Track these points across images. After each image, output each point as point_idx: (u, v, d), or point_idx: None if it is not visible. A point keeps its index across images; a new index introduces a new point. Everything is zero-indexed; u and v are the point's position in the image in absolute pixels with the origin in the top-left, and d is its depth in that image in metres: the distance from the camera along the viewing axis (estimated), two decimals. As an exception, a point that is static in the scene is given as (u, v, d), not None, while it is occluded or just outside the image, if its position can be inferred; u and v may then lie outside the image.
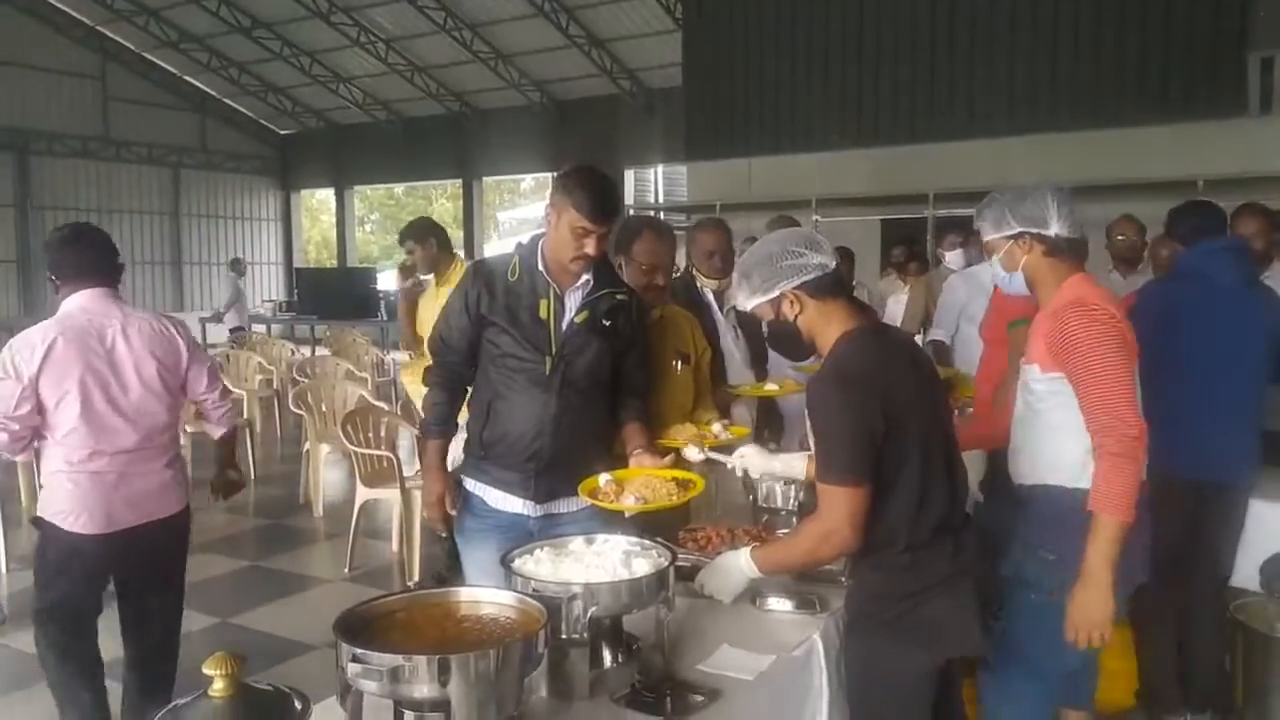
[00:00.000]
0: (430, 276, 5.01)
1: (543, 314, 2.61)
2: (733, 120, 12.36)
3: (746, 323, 3.81)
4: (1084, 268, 2.51)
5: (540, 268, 2.63)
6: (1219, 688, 3.31)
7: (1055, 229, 2.37)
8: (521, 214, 31.61)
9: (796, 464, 2.46)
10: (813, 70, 11.76)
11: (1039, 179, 2.82)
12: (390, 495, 5.43)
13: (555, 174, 2.71)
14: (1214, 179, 8.72)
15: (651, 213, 13.58)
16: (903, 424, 2.02)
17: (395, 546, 5.71)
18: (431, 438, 2.72)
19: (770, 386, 3.44)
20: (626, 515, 2.41)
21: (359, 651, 1.53)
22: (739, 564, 2.16)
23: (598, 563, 1.98)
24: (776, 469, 2.46)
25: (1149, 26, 9.89)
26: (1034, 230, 2.38)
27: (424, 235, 4.94)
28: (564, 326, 2.62)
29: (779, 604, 2.30)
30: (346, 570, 5.41)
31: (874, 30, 11.44)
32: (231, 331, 12.50)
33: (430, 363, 2.80)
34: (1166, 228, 3.86)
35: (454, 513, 2.69)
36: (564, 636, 1.84)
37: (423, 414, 2.79)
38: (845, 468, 1.98)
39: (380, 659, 1.52)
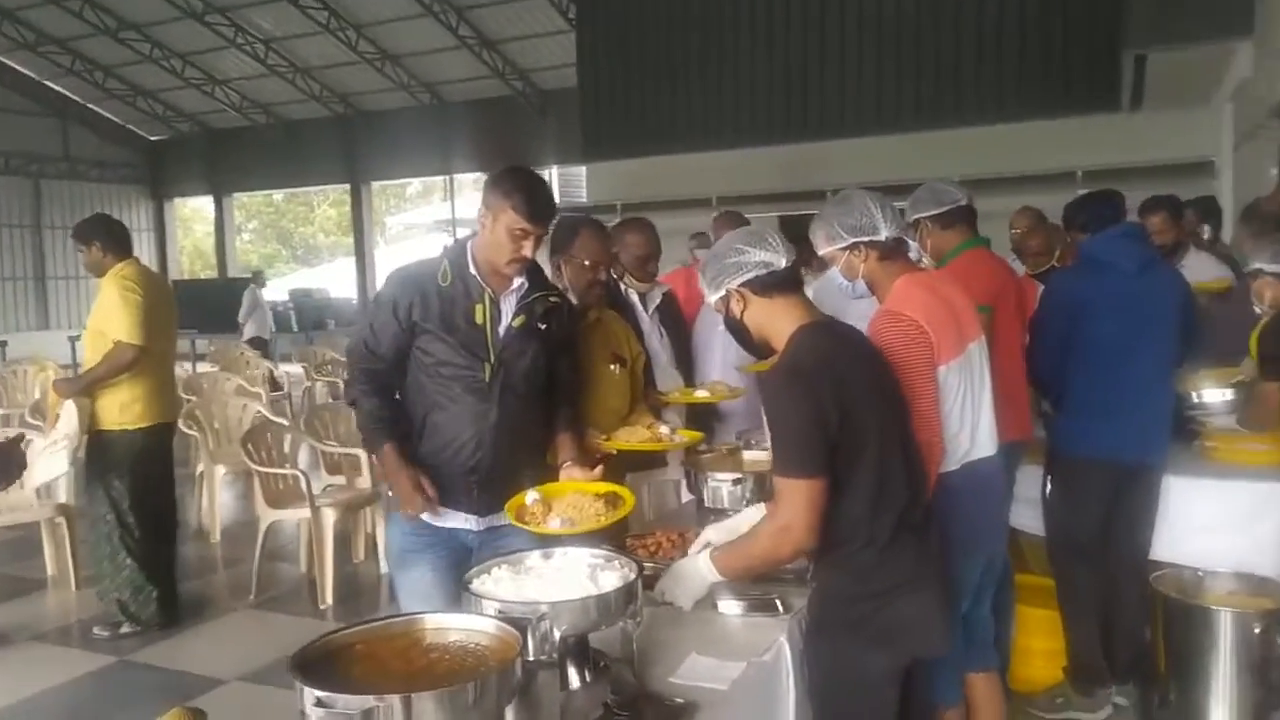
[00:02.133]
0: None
1: (479, 319, 2.51)
2: (629, 120, 12.34)
3: (669, 323, 3.77)
4: (914, 265, 2.60)
5: (472, 271, 2.52)
6: (1142, 658, 3.43)
7: (885, 233, 2.43)
8: (410, 219, 30.96)
9: (755, 516, 2.41)
10: (708, 69, 11.84)
11: (933, 176, 2.92)
12: (297, 515, 5.18)
13: (487, 175, 2.62)
14: (1091, 170, 9.17)
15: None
16: (857, 417, 1.99)
17: (304, 568, 5.45)
18: (383, 441, 2.52)
19: (700, 393, 3.41)
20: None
21: (323, 695, 1.39)
22: (699, 568, 2.10)
23: (562, 579, 1.88)
24: (740, 528, 2.38)
25: (1029, 27, 10.32)
26: (865, 239, 2.43)
27: (86, 237, 4.49)
28: (501, 331, 2.53)
29: (741, 607, 2.24)
30: (252, 597, 5.13)
31: (767, 30, 11.60)
32: (249, 342, 12.79)
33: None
34: (1065, 219, 3.98)
35: (432, 497, 2.51)
36: (531, 659, 1.73)
37: (362, 427, 2.59)
38: (800, 461, 1.95)
39: (349, 701, 1.38)
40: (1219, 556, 3.31)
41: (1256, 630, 3.02)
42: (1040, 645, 3.57)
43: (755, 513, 2.35)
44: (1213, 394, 3.69)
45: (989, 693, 2.80)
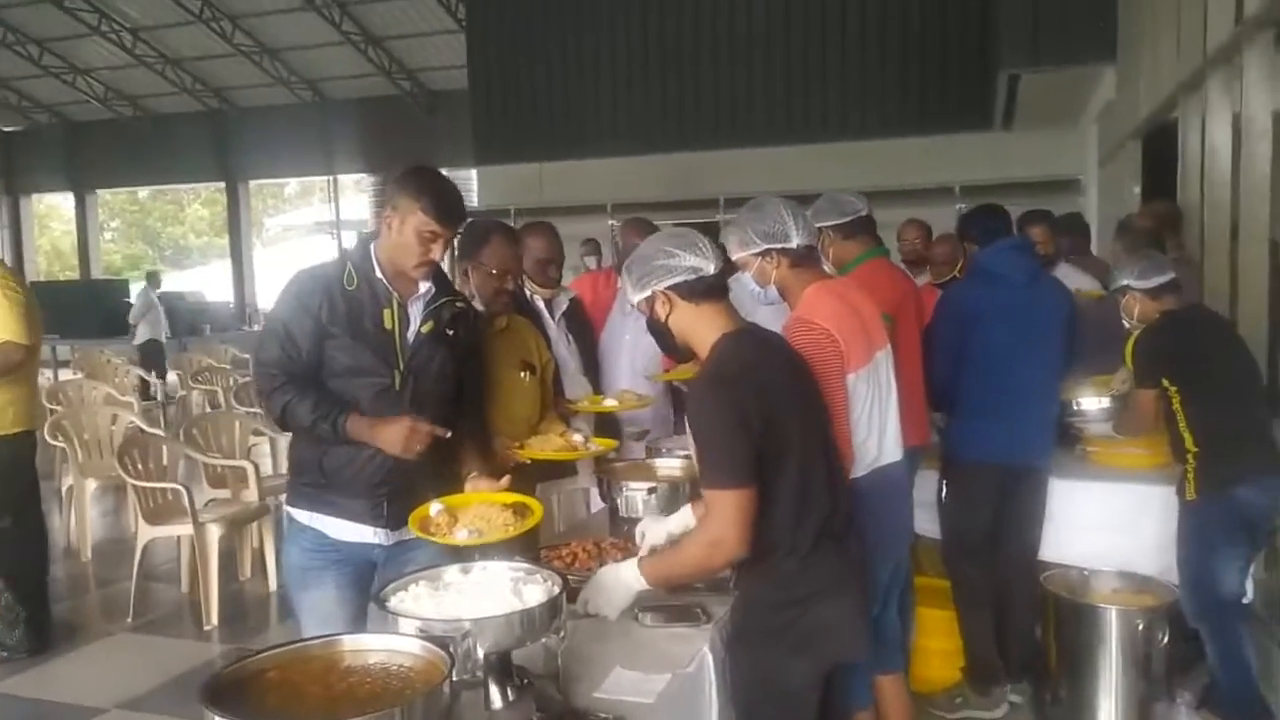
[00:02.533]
0: None
1: (387, 324, 2.42)
2: (522, 124, 12.23)
3: (576, 330, 3.73)
4: (824, 274, 2.66)
5: (378, 274, 2.43)
6: (1034, 656, 3.57)
7: (797, 240, 2.47)
8: (289, 220, 29.89)
9: (685, 517, 2.38)
10: (600, 75, 11.85)
11: (823, 186, 3.00)
12: (179, 532, 4.89)
13: (392, 177, 2.49)
14: (968, 185, 9.58)
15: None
16: (780, 424, 2.00)
17: (185, 588, 5.15)
18: (343, 417, 2.33)
19: (609, 402, 3.38)
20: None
21: (239, 727, 1.30)
22: (625, 578, 2.08)
23: (484, 594, 1.82)
24: (673, 530, 2.35)
25: (910, 46, 10.74)
26: (778, 246, 2.47)
27: None
28: (410, 337, 2.44)
29: (663, 618, 2.21)
30: (130, 620, 4.81)
31: (659, 39, 11.69)
32: (141, 346, 12.28)
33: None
34: (959, 231, 4.14)
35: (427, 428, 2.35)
36: (453, 679, 1.66)
37: (309, 426, 2.37)
38: (728, 471, 1.94)
39: (267, 734, 1.30)
40: (1104, 556, 3.48)
41: (1140, 626, 3.18)
42: (938, 645, 3.67)
43: (686, 513, 2.34)
44: (1090, 401, 3.88)
45: (896, 694, 2.86)
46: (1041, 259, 4.48)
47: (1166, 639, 3.20)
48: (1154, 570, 3.37)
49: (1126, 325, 3.45)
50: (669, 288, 2.10)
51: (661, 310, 2.13)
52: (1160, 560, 3.36)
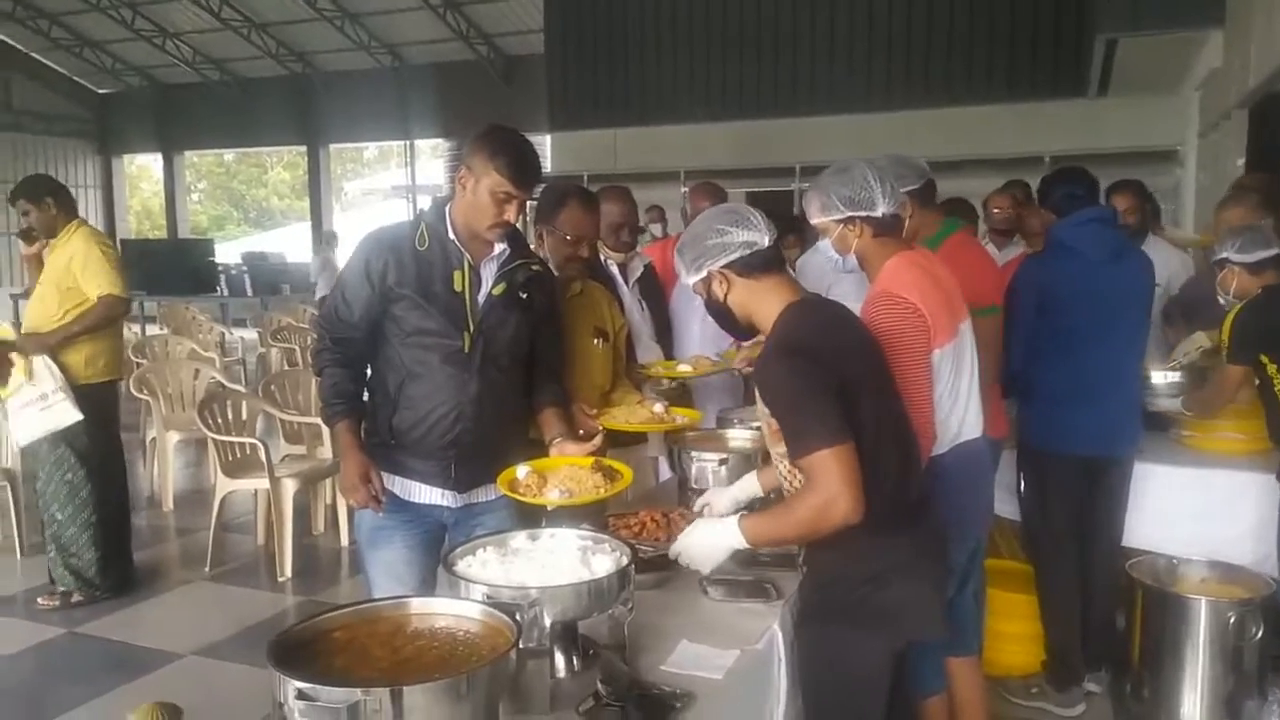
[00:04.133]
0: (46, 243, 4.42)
1: (458, 286, 2.40)
2: (597, 91, 12.15)
3: (650, 296, 3.68)
4: (907, 244, 2.48)
5: (451, 236, 2.40)
6: (1115, 645, 3.43)
7: (882, 209, 2.33)
8: (368, 184, 30.34)
9: (750, 484, 2.33)
10: (678, 42, 11.69)
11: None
12: (256, 485, 5.02)
13: (468, 138, 2.45)
14: (1059, 155, 9.20)
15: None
16: (850, 394, 1.92)
17: (261, 540, 5.29)
18: (340, 417, 2.43)
19: (683, 367, 3.32)
20: (549, 509, 2.25)
21: (305, 687, 1.29)
22: (725, 534, 1.99)
23: (553, 562, 1.79)
24: (739, 496, 2.31)
25: (999, 9, 10.32)
26: (862, 214, 2.34)
27: (39, 194, 4.39)
28: (480, 299, 2.42)
29: (733, 592, 2.16)
30: (208, 569, 4.96)
31: (737, 3, 11.45)
32: (319, 302, 12.56)
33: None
34: (1039, 196, 3.88)
35: (378, 492, 2.39)
36: (520, 646, 1.64)
37: (322, 398, 2.49)
38: (821, 430, 1.85)
39: (333, 694, 1.28)
40: (1195, 544, 3.32)
41: (1230, 619, 3.02)
42: (1014, 629, 3.56)
43: (752, 481, 2.29)
44: (1158, 376, 3.70)
45: (971, 678, 2.77)
46: (1128, 230, 4.26)
47: (1260, 633, 3.04)
48: (1248, 560, 3.21)
49: (1222, 301, 3.25)
50: (725, 266, 2.03)
51: (720, 289, 2.07)
52: (1256, 550, 3.20)
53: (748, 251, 2.02)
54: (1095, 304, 3.22)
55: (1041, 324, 3.21)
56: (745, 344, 2.95)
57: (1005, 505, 3.52)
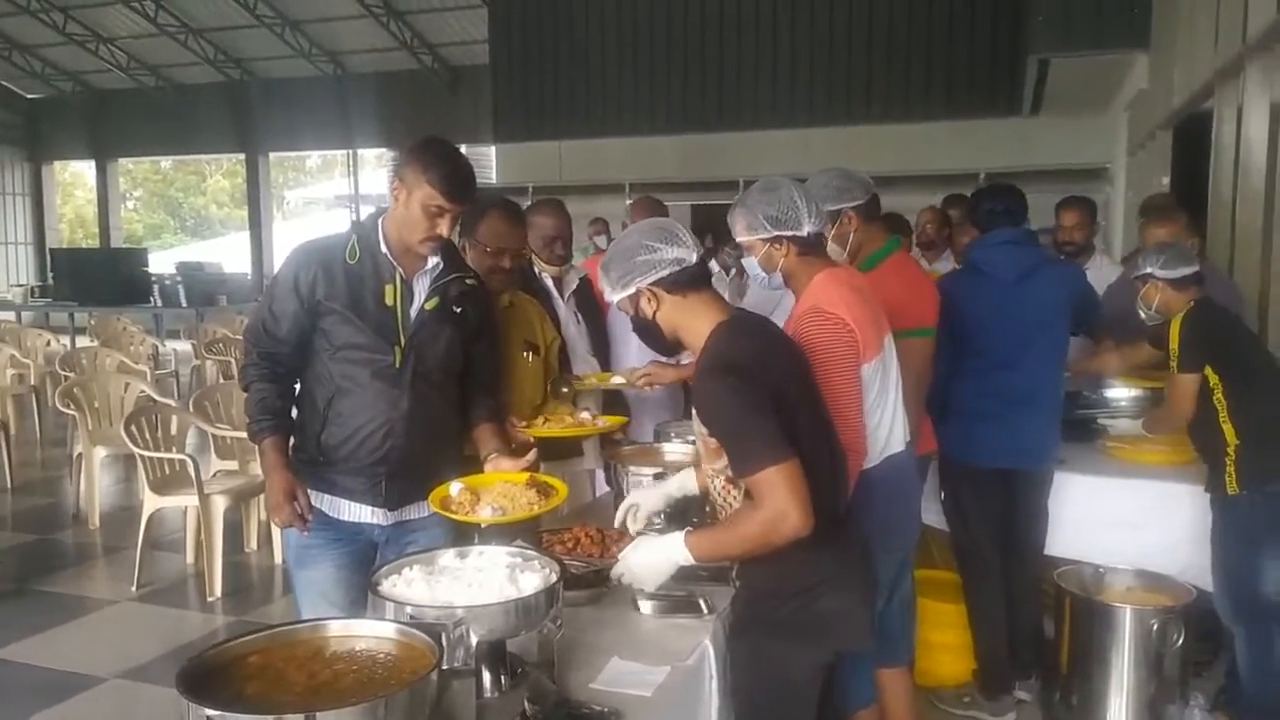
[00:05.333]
0: None
1: (389, 300, 2.36)
2: (542, 102, 12.14)
3: (586, 309, 3.67)
4: (832, 261, 2.50)
5: (383, 249, 2.37)
6: (1044, 653, 3.50)
7: (808, 228, 2.36)
8: (310, 193, 29.91)
9: (688, 481, 2.32)
10: (624, 54, 11.73)
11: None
12: (185, 502, 4.89)
13: (404, 149, 2.43)
14: (994, 171, 9.44)
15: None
16: (784, 409, 1.93)
17: (190, 559, 5.15)
18: (266, 434, 2.38)
19: (616, 379, 3.31)
20: (482, 526, 2.22)
21: (215, 715, 1.25)
22: (669, 549, 1.98)
23: (480, 580, 1.76)
24: (672, 492, 2.30)
25: (936, 28, 10.55)
26: (788, 233, 2.35)
27: None
28: (412, 314, 2.39)
29: (664, 608, 2.16)
30: (134, 589, 4.81)
31: (682, 18, 11.55)
32: None
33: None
34: (969, 212, 3.94)
35: (304, 510, 2.35)
36: (444, 668, 1.61)
37: (249, 413, 2.43)
38: (766, 449, 1.84)
39: (242, 721, 1.25)
40: (1120, 554, 3.38)
41: (1154, 626, 3.10)
42: (944, 639, 3.60)
43: (688, 476, 2.28)
44: (1117, 392, 3.77)
45: (900, 689, 2.80)
46: (1070, 244, 4.34)
47: (1181, 640, 3.12)
48: (1173, 570, 3.28)
49: (1143, 315, 3.26)
50: (654, 283, 2.01)
51: (648, 307, 2.04)
52: (1179, 559, 3.27)
53: (677, 268, 2.00)
54: (1008, 324, 3.25)
55: (959, 342, 3.22)
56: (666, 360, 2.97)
57: (935, 516, 3.57)
